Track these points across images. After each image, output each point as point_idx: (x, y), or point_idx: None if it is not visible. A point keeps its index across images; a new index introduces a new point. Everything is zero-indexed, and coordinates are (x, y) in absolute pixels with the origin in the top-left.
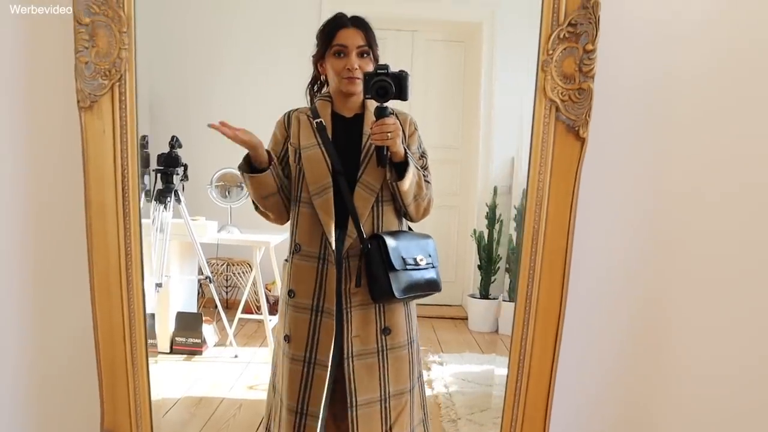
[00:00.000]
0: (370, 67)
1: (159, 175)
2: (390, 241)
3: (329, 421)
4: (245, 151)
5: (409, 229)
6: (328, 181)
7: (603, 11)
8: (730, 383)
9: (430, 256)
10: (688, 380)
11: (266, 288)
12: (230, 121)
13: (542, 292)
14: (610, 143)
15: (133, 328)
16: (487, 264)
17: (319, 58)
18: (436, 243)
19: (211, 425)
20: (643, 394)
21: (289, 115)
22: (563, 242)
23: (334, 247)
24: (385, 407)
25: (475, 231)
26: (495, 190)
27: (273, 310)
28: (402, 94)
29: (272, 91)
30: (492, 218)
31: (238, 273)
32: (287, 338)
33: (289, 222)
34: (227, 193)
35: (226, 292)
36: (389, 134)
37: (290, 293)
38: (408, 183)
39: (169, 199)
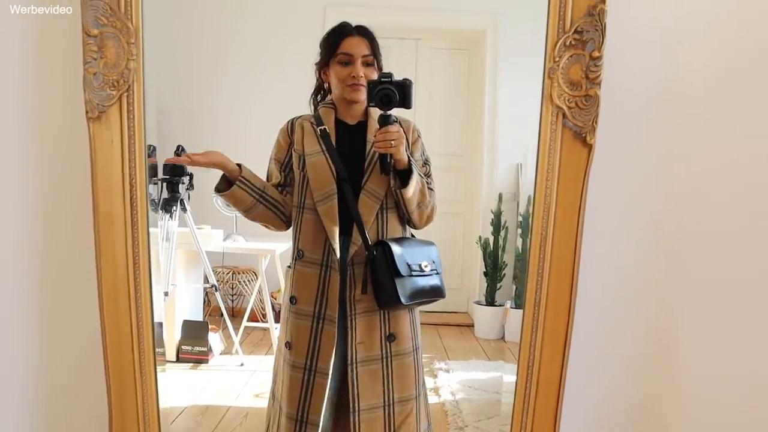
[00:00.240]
0: (374, 76)
1: (165, 184)
2: (395, 248)
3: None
4: (251, 157)
5: (412, 236)
6: (332, 188)
7: (609, 18)
8: (741, 388)
9: (434, 262)
10: (698, 385)
11: (272, 296)
12: (235, 129)
13: (550, 299)
14: (617, 149)
15: (141, 337)
16: (493, 271)
17: (322, 66)
18: (440, 250)
19: None
20: (653, 401)
21: (292, 122)
22: (571, 248)
23: (338, 254)
24: (389, 413)
25: (480, 238)
26: (500, 196)
27: (279, 318)
28: (406, 102)
29: (276, 99)
30: (497, 225)
31: (244, 281)
32: (288, 345)
33: (292, 229)
34: None
35: (232, 301)
36: (393, 142)
37: (292, 300)
38: (412, 190)
39: (174, 208)
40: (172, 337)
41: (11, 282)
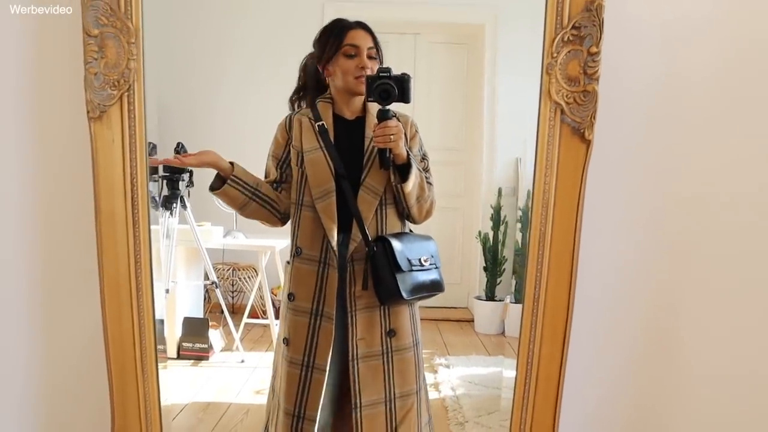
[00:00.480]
0: None
1: (165, 181)
2: (395, 243)
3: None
4: (250, 155)
5: (410, 231)
6: (331, 185)
7: (607, 13)
8: (741, 386)
9: (432, 256)
10: (696, 381)
11: (272, 292)
12: (234, 127)
13: (549, 295)
14: (615, 145)
15: (143, 335)
16: (493, 266)
17: (326, 61)
18: (439, 245)
19: (219, 430)
20: (652, 396)
21: (290, 117)
22: (570, 244)
23: (336, 250)
24: (390, 408)
25: (480, 233)
26: (499, 191)
27: (279, 314)
28: (404, 97)
29: (275, 98)
30: (497, 220)
31: (244, 278)
32: (286, 341)
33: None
34: None
35: (232, 297)
36: (392, 137)
37: (290, 296)
38: (411, 185)
39: (175, 205)
40: (172, 334)
41: (13, 280)
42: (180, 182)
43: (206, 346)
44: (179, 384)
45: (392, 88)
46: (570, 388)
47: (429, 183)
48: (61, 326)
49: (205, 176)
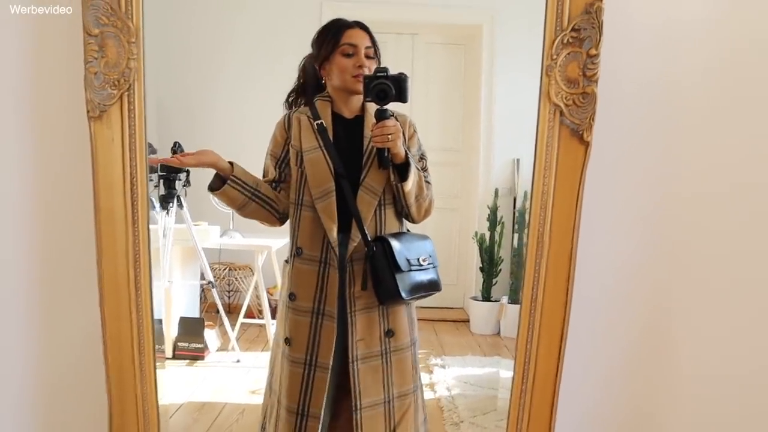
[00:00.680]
0: None
1: (162, 180)
2: (394, 243)
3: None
4: (247, 155)
5: (408, 230)
6: (330, 185)
7: (606, 16)
8: (737, 387)
9: (430, 256)
10: (692, 381)
11: (268, 292)
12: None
13: (547, 295)
14: (614, 147)
15: (142, 334)
16: (489, 266)
17: (324, 60)
18: (436, 245)
19: (214, 430)
20: (648, 396)
21: (288, 116)
22: (568, 245)
23: (336, 250)
24: (389, 409)
25: (476, 233)
26: (496, 192)
27: (275, 314)
28: (401, 97)
29: (274, 97)
30: (493, 221)
31: (240, 277)
32: (288, 341)
33: (289, 225)
34: None
35: (229, 297)
36: (390, 136)
37: (291, 296)
38: (410, 184)
39: (171, 204)
40: (168, 333)
41: (12, 279)
42: (177, 182)
43: (202, 345)
44: (175, 384)
45: (389, 87)
46: (567, 387)
47: (427, 182)
48: (59, 324)
49: (202, 175)
